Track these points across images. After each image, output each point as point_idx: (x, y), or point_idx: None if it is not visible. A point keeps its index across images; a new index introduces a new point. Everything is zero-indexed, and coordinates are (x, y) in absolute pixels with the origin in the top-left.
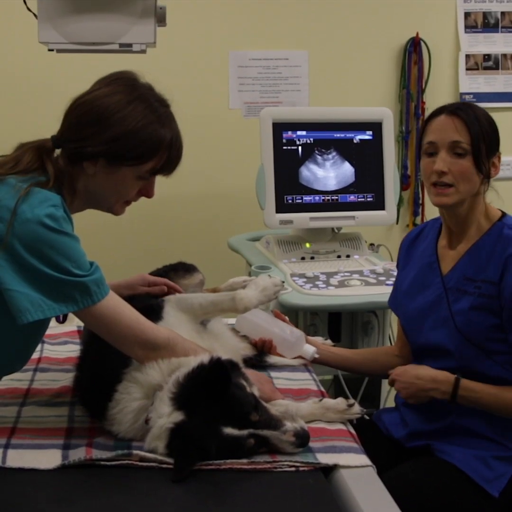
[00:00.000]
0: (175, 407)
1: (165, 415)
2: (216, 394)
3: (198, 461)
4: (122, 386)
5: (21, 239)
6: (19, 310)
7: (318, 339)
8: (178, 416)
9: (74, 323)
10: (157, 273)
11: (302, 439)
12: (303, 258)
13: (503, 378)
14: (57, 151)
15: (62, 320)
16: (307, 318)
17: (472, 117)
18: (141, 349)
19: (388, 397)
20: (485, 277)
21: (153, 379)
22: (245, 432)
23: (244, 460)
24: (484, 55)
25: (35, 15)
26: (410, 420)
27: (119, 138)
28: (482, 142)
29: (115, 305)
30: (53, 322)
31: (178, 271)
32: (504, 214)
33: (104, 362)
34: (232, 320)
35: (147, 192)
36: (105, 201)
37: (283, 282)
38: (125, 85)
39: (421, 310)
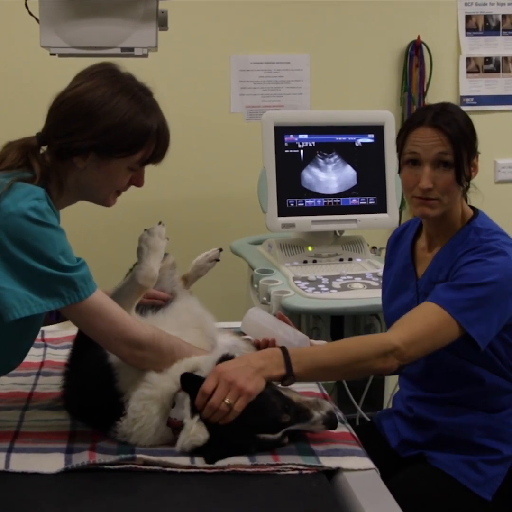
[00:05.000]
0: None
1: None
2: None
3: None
4: (138, 406)
5: (6, 233)
6: (6, 307)
7: (322, 343)
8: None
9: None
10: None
11: (331, 424)
12: (305, 262)
13: (490, 380)
14: (44, 148)
15: (56, 318)
16: (310, 322)
17: (453, 125)
18: (126, 347)
19: (390, 401)
20: (441, 279)
21: (170, 389)
22: (279, 434)
23: (248, 463)
24: (485, 58)
25: (37, 19)
26: (402, 429)
27: (107, 131)
28: (464, 150)
29: (101, 301)
30: (56, 326)
31: None
32: (475, 214)
33: (97, 383)
34: (235, 324)
35: (137, 181)
36: (98, 193)
37: (160, 223)
38: (107, 77)
39: (397, 312)
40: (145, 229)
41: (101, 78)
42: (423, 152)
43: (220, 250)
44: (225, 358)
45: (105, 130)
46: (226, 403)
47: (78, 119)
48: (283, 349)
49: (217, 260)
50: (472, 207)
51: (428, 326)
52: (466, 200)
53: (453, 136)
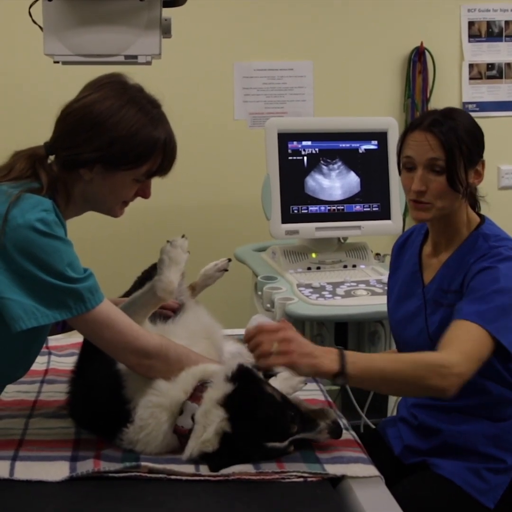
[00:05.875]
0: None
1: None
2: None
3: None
4: (145, 414)
5: (14, 245)
6: (13, 318)
7: None
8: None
9: (81, 335)
10: (142, 277)
11: (336, 433)
12: (309, 268)
13: (497, 392)
14: (51, 158)
15: (61, 329)
16: (314, 328)
17: (448, 131)
18: (134, 356)
19: (395, 408)
20: (454, 288)
21: (179, 398)
22: (286, 443)
23: (253, 471)
24: (488, 64)
25: (40, 27)
26: (405, 435)
27: (114, 143)
28: (459, 157)
29: (108, 311)
30: (60, 334)
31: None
32: (482, 221)
33: (105, 391)
34: (239, 331)
35: (144, 193)
36: (104, 204)
37: (184, 236)
38: (115, 89)
39: (403, 319)
40: (168, 241)
41: (108, 89)
42: (416, 156)
43: (229, 260)
44: (241, 368)
45: (111, 142)
46: (271, 348)
47: (85, 130)
48: (340, 348)
49: (226, 270)
50: (478, 214)
51: (472, 342)
52: (473, 208)
53: (445, 143)
